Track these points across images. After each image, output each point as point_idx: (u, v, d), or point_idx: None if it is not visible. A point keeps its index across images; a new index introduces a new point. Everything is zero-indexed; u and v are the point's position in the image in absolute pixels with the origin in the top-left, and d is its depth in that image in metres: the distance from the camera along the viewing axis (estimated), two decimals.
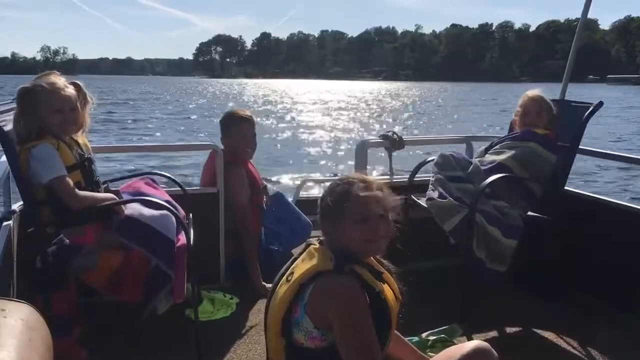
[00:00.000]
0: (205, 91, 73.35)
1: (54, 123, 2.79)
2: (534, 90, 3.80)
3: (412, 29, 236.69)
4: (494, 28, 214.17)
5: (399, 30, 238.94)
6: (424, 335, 3.00)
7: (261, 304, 3.43)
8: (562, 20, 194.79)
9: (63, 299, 2.74)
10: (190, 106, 40.44)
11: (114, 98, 46.02)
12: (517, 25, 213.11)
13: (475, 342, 1.98)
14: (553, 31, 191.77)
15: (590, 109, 3.51)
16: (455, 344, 2.96)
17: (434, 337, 3.01)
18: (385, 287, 1.94)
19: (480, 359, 1.93)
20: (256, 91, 75.61)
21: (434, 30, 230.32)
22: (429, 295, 3.34)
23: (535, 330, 3.26)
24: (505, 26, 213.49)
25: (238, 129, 3.88)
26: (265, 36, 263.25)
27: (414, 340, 2.84)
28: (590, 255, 3.58)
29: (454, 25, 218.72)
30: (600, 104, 3.53)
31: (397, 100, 53.93)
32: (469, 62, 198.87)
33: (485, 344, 1.96)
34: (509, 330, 3.29)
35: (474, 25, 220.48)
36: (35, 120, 2.76)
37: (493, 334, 3.21)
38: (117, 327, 3.14)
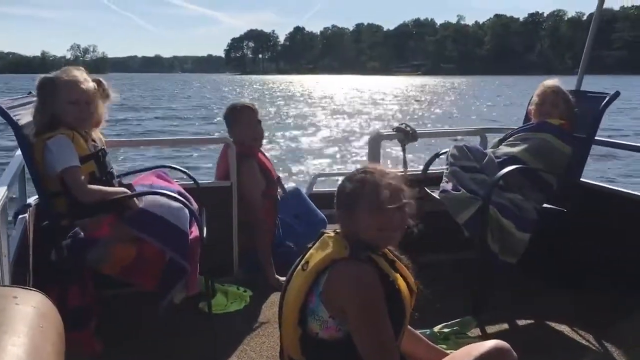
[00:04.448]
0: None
1: (68, 114, 2.92)
2: (551, 80, 3.90)
3: (453, 20, 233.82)
4: (544, 17, 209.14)
5: (438, 22, 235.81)
6: (436, 328, 3.09)
7: (275, 297, 3.59)
8: (616, 8, 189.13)
9: (78, 291, 2.86)
10: None
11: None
12: (569, 15, 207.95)
13: (495, 341, 1.97)
14: (608, 20, 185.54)
15: (606, 99, 3.58)
16: (468, 336, 3.11)
17: (447, 330, 3.09)
18: (399, 277, 1.98)
19: (499, 358, 1.93)
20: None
21: (476, 21, 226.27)
22: (442, 289, 3.41)
23: (549, 322, 3.34)
24: (557, 15, 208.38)
25: (241, 119, 4.03)
26: (298, 30, 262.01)
27: (426, 333, 2.93)
28: (606, 246, 3.64)
29: (497, 16, 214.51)
30: (617, 94, 3.58)
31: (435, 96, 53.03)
32: (517, 54, 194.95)
33: (505, 344, 1.95)
34: (522, 322, 3.38)
35: (520, 15, 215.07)
36: (51, 111, 2.90)
37: (506, 326, 3.31)
38: (132, 320, 3.32)
